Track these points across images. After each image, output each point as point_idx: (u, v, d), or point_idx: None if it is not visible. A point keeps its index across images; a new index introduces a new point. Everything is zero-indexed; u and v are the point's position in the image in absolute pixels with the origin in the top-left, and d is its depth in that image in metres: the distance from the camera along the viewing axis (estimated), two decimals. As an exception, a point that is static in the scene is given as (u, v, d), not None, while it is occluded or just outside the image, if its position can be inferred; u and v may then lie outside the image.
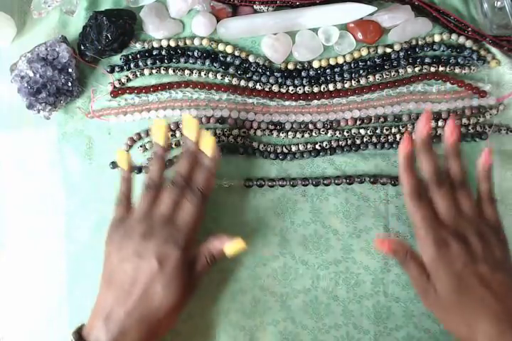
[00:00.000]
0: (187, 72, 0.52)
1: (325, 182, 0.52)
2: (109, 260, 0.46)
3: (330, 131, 0.52)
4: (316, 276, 0.52)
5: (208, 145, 0.47)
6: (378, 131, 0.53)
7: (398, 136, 0.52)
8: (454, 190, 0.47)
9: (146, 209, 0.47)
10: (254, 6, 0.52)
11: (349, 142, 0.53)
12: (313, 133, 0.53)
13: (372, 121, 0.53)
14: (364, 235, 0.52)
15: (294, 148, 0.53)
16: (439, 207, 0.46)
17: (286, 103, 0.53)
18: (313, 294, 0.52)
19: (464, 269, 0.44)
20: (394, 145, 0.53)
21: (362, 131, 0.52)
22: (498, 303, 0.42)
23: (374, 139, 0.52)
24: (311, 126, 0.53)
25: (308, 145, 0.52)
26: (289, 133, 0.52)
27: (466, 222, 0.46)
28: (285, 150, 0.53)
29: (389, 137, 0.53)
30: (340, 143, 0.53)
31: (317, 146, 0.52)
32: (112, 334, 0.42)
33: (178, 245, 0.44)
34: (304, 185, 0.52)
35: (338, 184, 0.52)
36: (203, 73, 0.52)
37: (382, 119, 0.53)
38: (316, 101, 0.53)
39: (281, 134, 0.53)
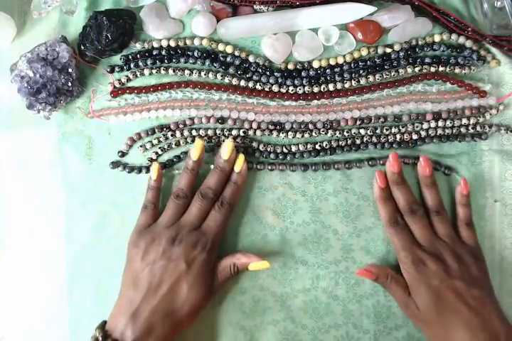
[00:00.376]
0: (187, 72, 0.52)
1: (324, 167, 0.52)
2: (133, 263, 0.48)
3: (330, 131, 0.52)
4: (316, 276, 0.52)
5: (237, 162, 0.50)
6: (378, 131, 0.53)
7: (398, 136, 0.52)
8: (429, 216, 0.51)
9: (174, 217, 0.50)
10: (254, 6, 0.52)
11: (349, 142, 0.53)
12: (313, 133, 0.53)
13: (373, 121, 0.53)
14: (364, 235, 0.52)
15: (294, 148, 0.53)
16: (414, 231, 0.50)
17: (286, 103, 0.53)
18: (313, 294, 0.52)
19: (440, 285, 0.47)
20: (394, 145, 0.53)
21: (362, 131, 0.52)
22: (474, 316, 0.46)
23: (374, 139, 0.52)
24: (311, 126, 0.53)
25: (308, 145, 0.52)
26: (289, 133, 0.52)
27: (442, 243, 0.49)
28: (285, 150, 0.53)
29: (389, 137, 0.53)
30: (340, 143, 0.53)
31: (317, 146, 0.52)
32: (140, 330, 0.45)
33: (205, 249, 0.48)
34: (303, 170, 0.52)
35: (337, 168, 0.52)
36: (202, 73, 0.52)
37: (382, 119, 0.53)
38: (316, 101, 0.53)
39: (281, 134, 0.53)
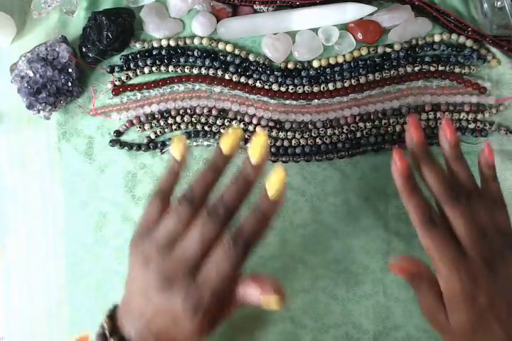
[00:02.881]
0: (187, 67, 0.52)
1: (327, 156, 0.52)
2: (133, 272, 0.38)
3: (329, 130, 0.52)
4: (316, 276, 0.52)
5: (274, 182, 0.34)
6: (377, 123, 0.52)
7: (398, 127, 0.52)
8: (468, 201, 0.39)
9: (174, 233, 0.36)
10: (254, 6, 0.52)
11: (350, 136, 0.52)
12: (313, 134, 0.52)
13: (372, 117, 0.52)
14: (364, 235, 0.52)
15: (294, 142, 0.52)
16: (458, 229, 0.38)
17: (287, 102, 0.53)
18: (313, 294, 0.52)
19: (487, 309, 0.37)
20: (394, 137, 0.52)
21: (361, 124, 0.52)
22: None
23: (374, 131, 0.52)
24: (310, 126, 0.53)
25: (309, 140, 0.52)
26: (289, 133, 0.52)
27: (490, 242, 0.38)
28: (286, 143, 0.52)
29: (389, 128, 0.52)
30: (341, 137, 0.52)
31: (318, 140, 0.52)
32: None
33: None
34: (306, 161, 0.52)
35: (341, 157, 0.52)
36: (203, 68, 0.52)
37: (381, 115, 0.52)
38: (316, 101, 0.53)
39: (280, 133, 0.52)
